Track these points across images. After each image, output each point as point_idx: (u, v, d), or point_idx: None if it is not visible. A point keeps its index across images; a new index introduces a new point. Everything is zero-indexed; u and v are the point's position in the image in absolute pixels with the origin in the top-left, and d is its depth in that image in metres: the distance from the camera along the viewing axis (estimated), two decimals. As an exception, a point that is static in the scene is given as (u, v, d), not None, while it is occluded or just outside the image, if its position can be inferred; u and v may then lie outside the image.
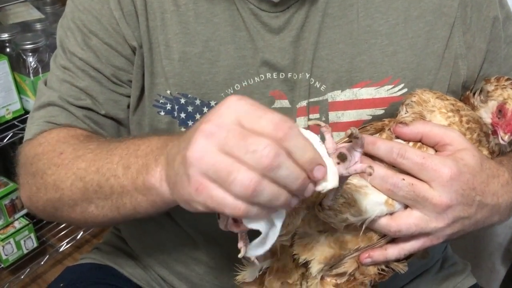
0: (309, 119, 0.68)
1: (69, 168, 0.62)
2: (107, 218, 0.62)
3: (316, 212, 0.55)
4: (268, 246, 0.47)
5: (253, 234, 0.48)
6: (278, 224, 0.46)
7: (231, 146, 0.41)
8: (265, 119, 0.42)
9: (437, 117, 0.61)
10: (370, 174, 0.47)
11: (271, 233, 0.47)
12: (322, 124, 0.49)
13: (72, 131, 0.69)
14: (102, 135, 0.72)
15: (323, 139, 0.49)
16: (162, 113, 0.70)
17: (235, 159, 0.41)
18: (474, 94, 0.66)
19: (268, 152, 0.40)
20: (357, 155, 0.47)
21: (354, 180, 0.56)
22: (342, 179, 0.48)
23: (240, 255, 0.50)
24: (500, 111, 0.61)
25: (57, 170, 0.64)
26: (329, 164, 0.46)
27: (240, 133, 0.42)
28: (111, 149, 0.61)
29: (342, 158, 0.47)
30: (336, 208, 0.53)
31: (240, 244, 0.50)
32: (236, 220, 0.48)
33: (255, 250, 0.48)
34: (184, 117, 0.69)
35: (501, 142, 0.61)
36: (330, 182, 0.45)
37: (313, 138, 0.47)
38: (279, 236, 0.51)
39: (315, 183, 0.44)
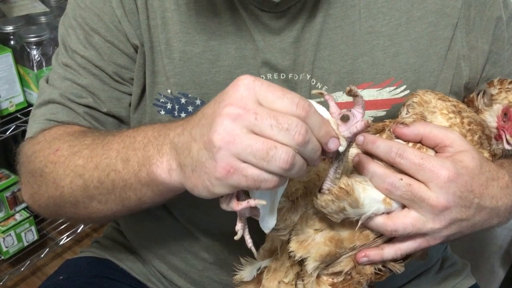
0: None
1: (66, 165, 0.63)
2: (112, 211, 0.62)
3: (314, 202, 0.55)
4: (275, 214, 0.52)
5: (249, 221, 0.51)
6: (280, 192, 0.52)
7: (262, 127, 0.44)
8: (286, 99, 0.45)
9: (438, 118, 0.61)
10: (368, 125, 0.49)
11: (275, 201, 0.51)
12: (325, 92, 0.52)
13: (69, 128, 0.69)
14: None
15: (326, 106, 0.52)
16: (162, 112, 0.70)
17: (268, 138, 0.44)
18: (477, 96, 0.66)
19: (300, 129, 0.44)
20: (358, 115, 0.50)
21: (355, 175, 0.57)
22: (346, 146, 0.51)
23: (236, 237, 0.52)
24: (506, 114, 0.60)
25: (55, 168, 0.64)
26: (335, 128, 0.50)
27: (269, 114, 0.44)
28: (106, 143, 0.61)
29: (344, 119, 0.50)
30: (334, 192, 0.53)
31: (238, 227, 0.52)
32: (239, 198, 0.49)
33: (267, 222, 0.52)
34: (184, 117, 0.69)
35: (506, 146, 0.60)
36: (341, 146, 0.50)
37: (318, 106, 0.50)
38: (277, 230, 0.56)
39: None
